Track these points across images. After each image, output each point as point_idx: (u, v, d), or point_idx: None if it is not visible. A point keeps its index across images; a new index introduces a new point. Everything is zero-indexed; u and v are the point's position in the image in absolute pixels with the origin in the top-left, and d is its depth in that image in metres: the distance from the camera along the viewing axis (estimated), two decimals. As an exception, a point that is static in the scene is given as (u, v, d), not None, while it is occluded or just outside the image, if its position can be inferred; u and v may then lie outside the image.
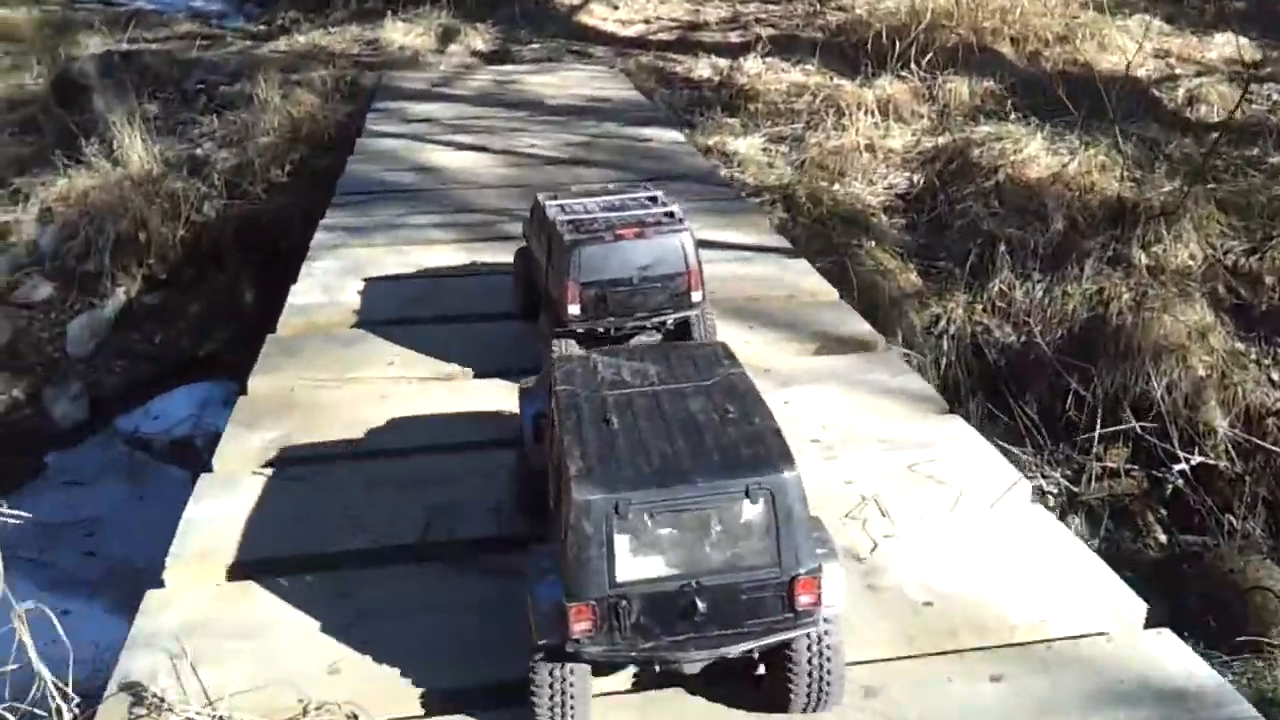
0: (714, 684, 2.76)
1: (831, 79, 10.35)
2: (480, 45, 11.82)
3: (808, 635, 2.55)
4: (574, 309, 4.11)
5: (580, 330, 4.17)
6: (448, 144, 7.69)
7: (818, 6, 12.67)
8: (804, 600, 2.48)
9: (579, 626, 2.42)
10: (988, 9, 10.97)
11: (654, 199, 4.45)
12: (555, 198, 4.48)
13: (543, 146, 7.74)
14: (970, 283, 7.08)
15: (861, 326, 5.06)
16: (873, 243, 7.22)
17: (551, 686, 2.54)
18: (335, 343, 4.90)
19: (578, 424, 2.62)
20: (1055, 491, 6.13)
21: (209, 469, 3.91)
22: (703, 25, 12.80)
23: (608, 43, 12.15)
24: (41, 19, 13.90)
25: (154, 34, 13.12)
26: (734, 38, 12.10)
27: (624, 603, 2.41)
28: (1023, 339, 6.74)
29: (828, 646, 2.59)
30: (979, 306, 6.96)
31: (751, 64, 10.75)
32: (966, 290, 7.04)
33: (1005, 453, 6.37)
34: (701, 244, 4.33)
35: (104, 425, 7.59)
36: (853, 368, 4.65)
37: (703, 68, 10.89)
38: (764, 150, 9.11)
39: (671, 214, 4.26)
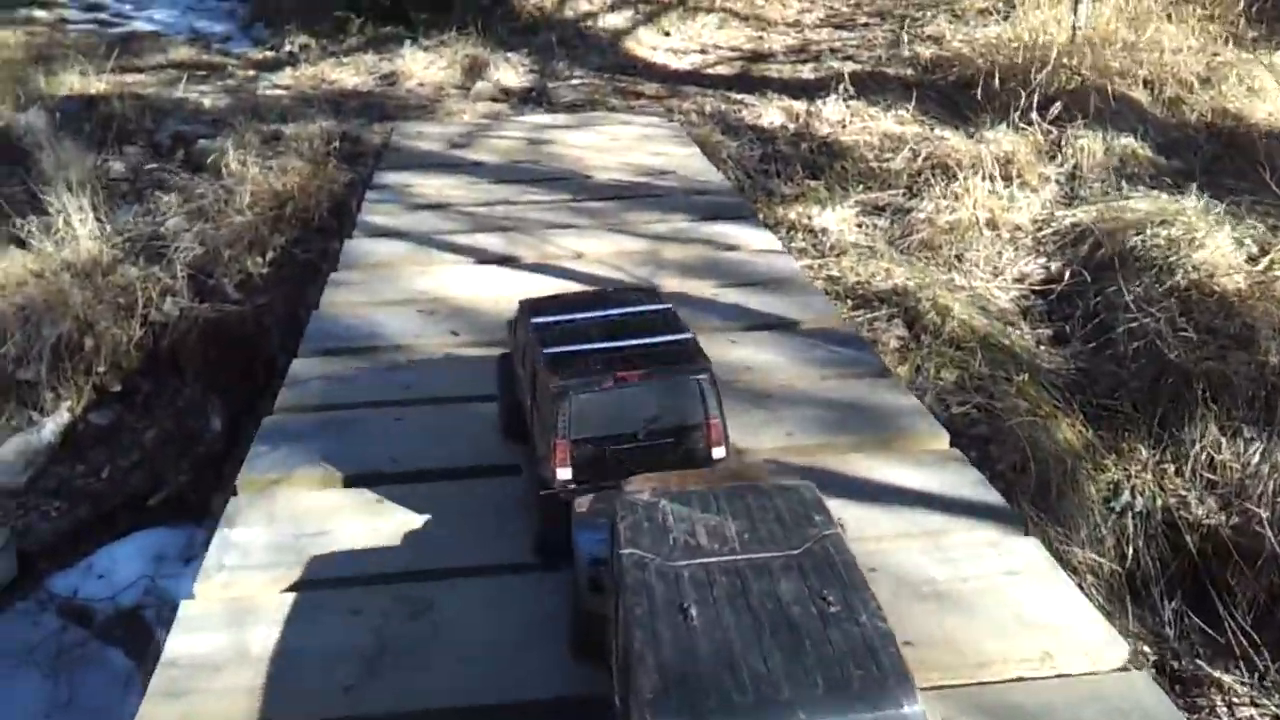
0: None
1: (932, 129, 8.65)
2: (511, 80, 10.18)
3: None
4: (564, 473, 3.14)
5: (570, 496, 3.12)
6: (462, 251, 5.69)
7: (902, 36, 10.96)
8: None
9: None
10: (1113, 45, 9.24)
11: (664, 315, 3.40)
12: (539, 307, 3.52)
13: (591, 255, 5.58)
14: (1158, 434, 5.35)
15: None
16: (1023, 374, 5.50)
17: None
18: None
19: (650, 615, 2.24)
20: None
21: (159, 655, 2.99)
22: (768, 55, 11.13)
23: (658, 78, 10.49)
24: (24, 42, 12.38)
25: (145, 61, 11.59)
26: (806, 73, 10.41)
27: None
28: (1234, 518, 5.02)
29: None
30: (1171, 469, 5.24)
31: (833, 108, 9.06)
32: (1154, 445, 5.31)
33: (1207, 678, 4.71)
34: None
35: (33, 587, 6.01)
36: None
37: (773, 112, 9.20)
38: (858, 226, 7.42)
39: (686, 343, 3.26)
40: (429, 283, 5.30)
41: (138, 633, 5.69)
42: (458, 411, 4.10)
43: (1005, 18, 10.39)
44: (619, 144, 7.90)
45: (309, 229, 6.50)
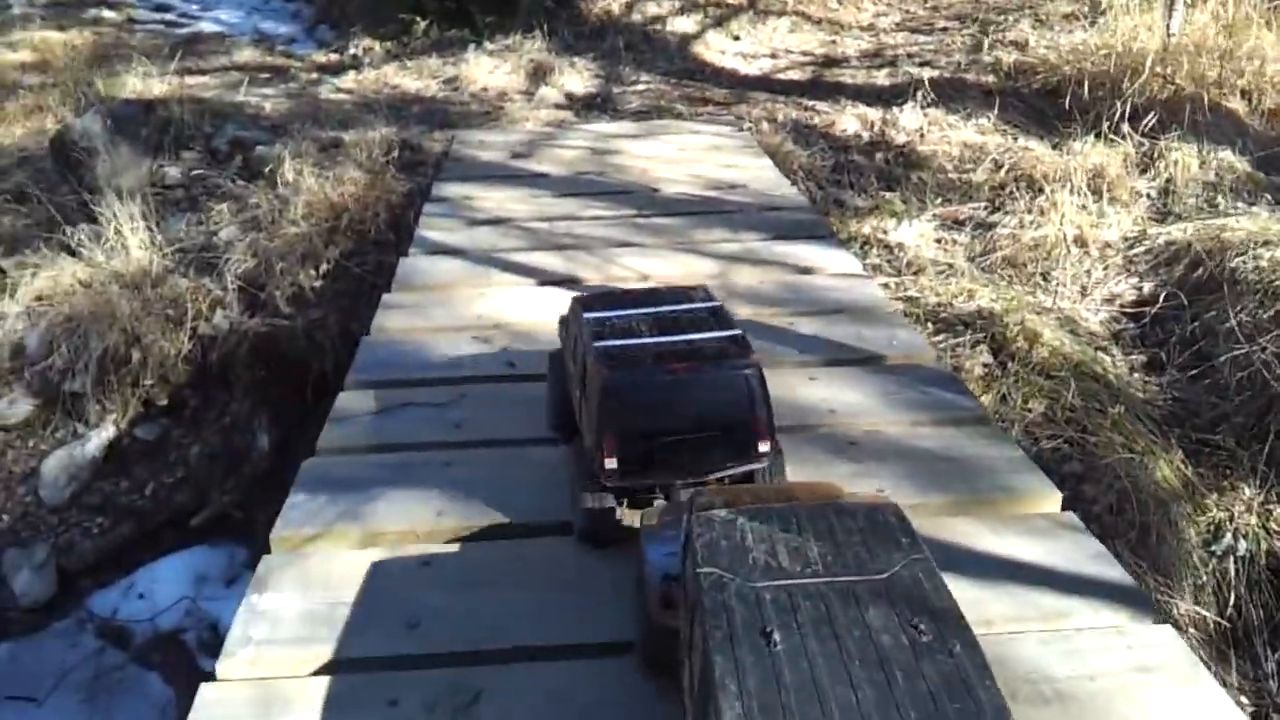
0: None
1: (1015, 139, 8.22)
2: (576, 86, 9.91)
3: None
4: (611, 463, 3.17)
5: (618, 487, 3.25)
6: (522, 272, 5.36)
7: (983, 40, 10.51)
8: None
9: None
10: (1209, 54, 8.73)
11: (714, 312, 3.47)
12: (591, 303, 3.57)
13: (658, 278, 5.21)
14: (1263, 472, 4.92)
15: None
16: (1118, 406, 5.09)
17: None
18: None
19: (729, 640, 2.06)
20: None
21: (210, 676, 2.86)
22: (841, 61, 10.73)
23: (726, 83, 10.16)
24: (90, 42, 12.39)
25: (208, 63, 11.52)
26: (882, 78, 10.01)
27: None
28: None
29: None
30: (1278, 510, 4.81)
31: (910, 116, 8.67)
32: (1259, 484, 4.89)
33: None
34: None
35: (73, 605, 5.84)
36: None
37: (847, 119, 8.83)
38: (937, 242, 7.03)
39: (735, 339, 3.30)
40: (486, 306, 4.98)
41: (177, 657, 5.50)
42: (514, 457, 3.77)
43: (1092, 23, 9.90)
44: (687, 154, 7.55)
45: (365, 241, 6.27)
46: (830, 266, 5.36)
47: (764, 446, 3.21)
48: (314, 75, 10.84)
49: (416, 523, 3.42)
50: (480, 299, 5.09)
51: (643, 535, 2.82)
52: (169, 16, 14.58)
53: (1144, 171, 7.74)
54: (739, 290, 5.16)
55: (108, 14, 14.15)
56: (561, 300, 4.97)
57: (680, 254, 5.66)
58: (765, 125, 8.67)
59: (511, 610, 3.03)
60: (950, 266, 6.58)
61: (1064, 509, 3.52)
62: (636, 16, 11.31)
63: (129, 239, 6.33)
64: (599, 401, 3.16)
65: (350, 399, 4.23)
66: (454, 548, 3.33)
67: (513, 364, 4.46)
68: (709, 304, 3.52)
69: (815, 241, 5.74)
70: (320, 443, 3.93)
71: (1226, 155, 7.73)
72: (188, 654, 5.50)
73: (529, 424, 3.88)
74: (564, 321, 3.81)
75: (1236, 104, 8.43)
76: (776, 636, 2.09)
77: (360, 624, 2.98)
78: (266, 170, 7.08)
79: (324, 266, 5.99)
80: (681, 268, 5.45)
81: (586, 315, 3.43)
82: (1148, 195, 7.49)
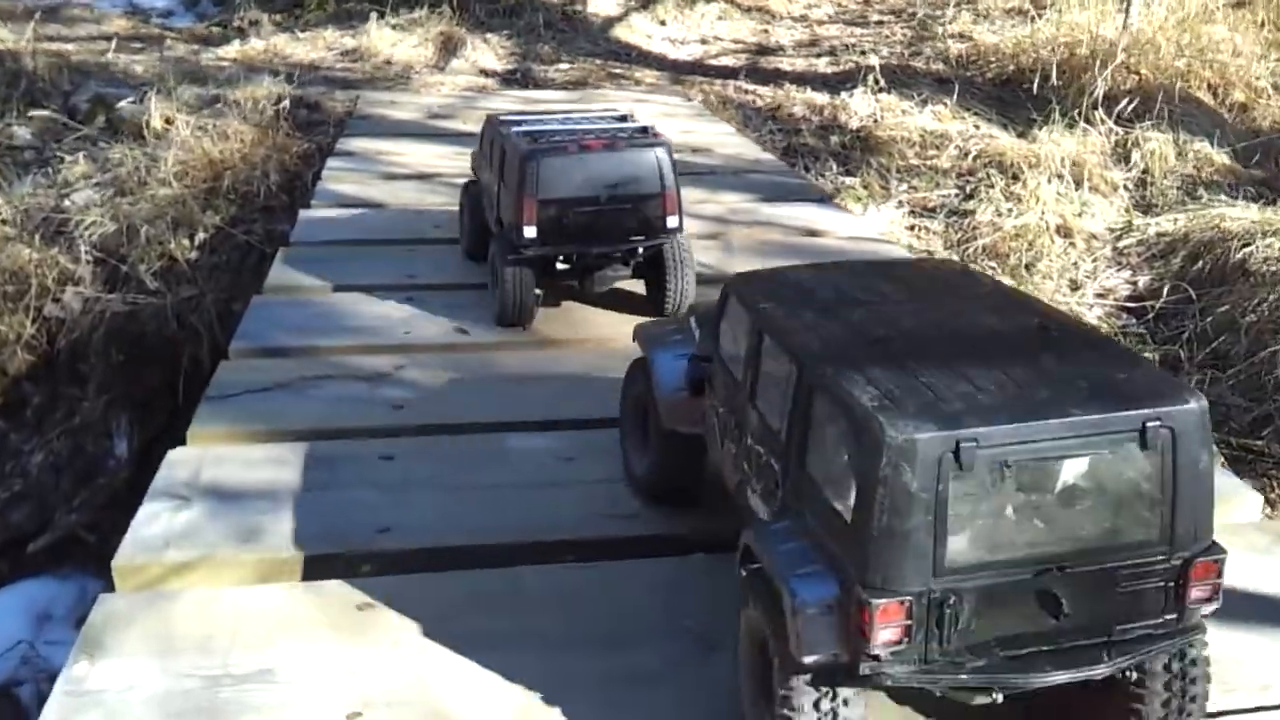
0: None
1: (977, 126, 7.57)
2: (491, 63, 8.98)
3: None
4: (530, 231, 3.53)
5: (537, 257, 3.62)
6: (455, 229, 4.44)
7: (924, 32, 9.92)
8: (1197, 594, 1.80)
9: (884, 635, 1.71)
10: (1165, 47, 8.21)
11: (625, 118, 4.09)
12: (508, 119, 4.01)
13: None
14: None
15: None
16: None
17: None
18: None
19: (825, 345, 1.96)
20: None
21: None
22: (775, 49, 10.03)
23: (656, 66, 9.34)
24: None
25: (74, 31, 10.23)
26: (823, 66, 9.32)
27: (953, 599, 1.72)
28: None
29: (1193, 662, 1.89)
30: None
31: (861, 102, 7.96)
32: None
33: None
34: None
35: (-120, 653, 4.69)
36: None
37: (793, 103, 8.09)
38: (910, 228, 6.30)
39: (646, 129, 3.86)
40: (417, 265, 4.05)
41: (10, 717, 4.40)
42: (458, 450, 2.87)
43: (1033, 19, 9.35)
44: (640, 118, 6.55)
45: (251, 205, 5.21)
46: (838, 229, 4.55)
47: (673, 221, 3.63)
48: (193, 46, 9.67)
49: (311, 539, 2.49)
50: (410, 256, 4.12)
51: (643, 342, 2.68)
52: (28, -14, 13.13)
53: (1119, 161, 7.14)
54: (742, 251, 4.28)
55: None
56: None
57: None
58: (708, 104, 7.87)
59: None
60: (929, 255, 5.84)
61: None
62: (556, -6, 10.44)
63: (-39, 201, 5.19)
64: (518, 174, 3.48)
65: (233, 371, 3.25)
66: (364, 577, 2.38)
67: (464, 329, 3.62)
68: (622, 113, 4.08)
69: (813, 204, 4.92)
70: (191, 429, 2.95)
71: (1204, 146, 7.19)
72: (22, 714, 4.40)
73: (477, 406, 2.98)
74: (477, 147, 4.13)
75: (1204, 96, 7.94)
76: (884, 333, 1.94)
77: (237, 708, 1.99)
78: (131, 128, 5.96)
79: (200, 235, 4.93)
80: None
81: (502, 120, 3.91)
82: (1125, 186, 6.88)
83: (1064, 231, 6.28)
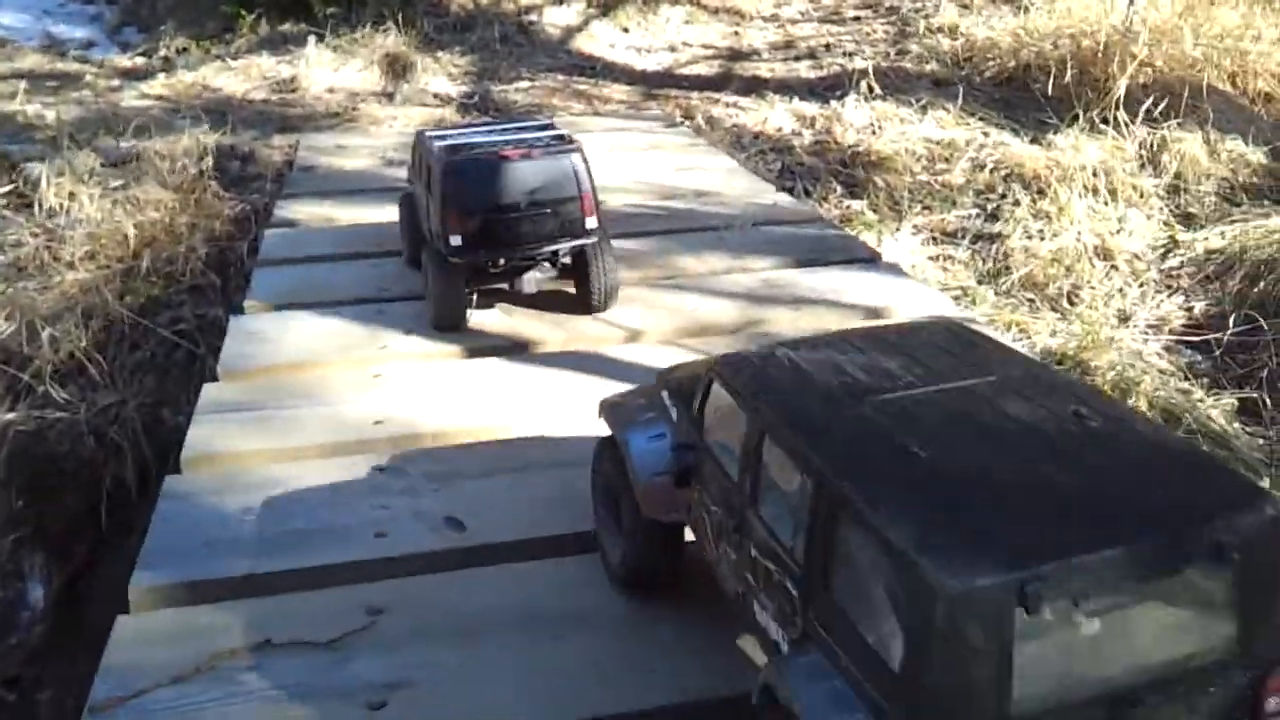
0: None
1: (986, 134, 6.89)
2: (445, 86, 8.18)
3: None
4: (456, 239, 3.69)
5: (465, 264, 3.79)
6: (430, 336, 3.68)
7: (906, 28, 9.24)
8: (1273, 706, 1.70)
9: None
10: (1174, 32, 7.55)
11: (547, 127, 4.19)
12: (434, 133, 4.14)
13: (653, 336, 3.81)
14: None
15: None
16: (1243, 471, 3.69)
17: None
18: None
19: (845, 455, 1.78)
20: None
21: None
22: (750, 53, 9.30)
23: (625, 79, 8.60)
24: None
25: (-18, 70, 9.32)
26: (804, 70, 8.61)
27: None
28: None
29: None
30: None
31: (854, 112, 7.25)
32: None
33: None
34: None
35: None
36: None
37: (780, 116, 7.37)
38: (933, 259, 5.61)
39: (562, 136, 4.01)
40: (374, 403, 3.25)
41: None
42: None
43: (1024, 9, 8.66)
44: (623, 155, 5.84)
45: (177, 287, 4.38)
46: (900, 303, 3.76)
47: (591, 222, 3.81)
48: (114, 82, 8.80)
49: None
50: (370, 391, 3.30)
51: (610, 417, 2.53)
52: (-67, 20, 12.15)
53: (1143, 166, 6.49)
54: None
55: None
56: (509, 399, 3.31)
57: (668, 293, 4.06)
58: (700, 122, 7.13)
59: None
60: (964, 292, 5.15)
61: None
62: (509, 4, 9.63)
63: None
64: (441, 186, 3.68)
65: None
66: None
67: (458, 523, 2.81)
68: (546, 124, 4.24)
69: (859, 266, 4.11)
70: (133, 587, 2.21)
71: (1236, 145, 6.55)
72: None
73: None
74: (410, 160, 4.27)
75: (1226, 88, 7.30)
76: (913, 445, 1.76)
77: None
78: (38, 195, 5.12)
79: (117, 327, 4.11)
80: (683, 319, 3.88)
81: (428, 134, 4.07)
82: (1157, 194, 6.23)
83: (1103, 253, 5.62)
